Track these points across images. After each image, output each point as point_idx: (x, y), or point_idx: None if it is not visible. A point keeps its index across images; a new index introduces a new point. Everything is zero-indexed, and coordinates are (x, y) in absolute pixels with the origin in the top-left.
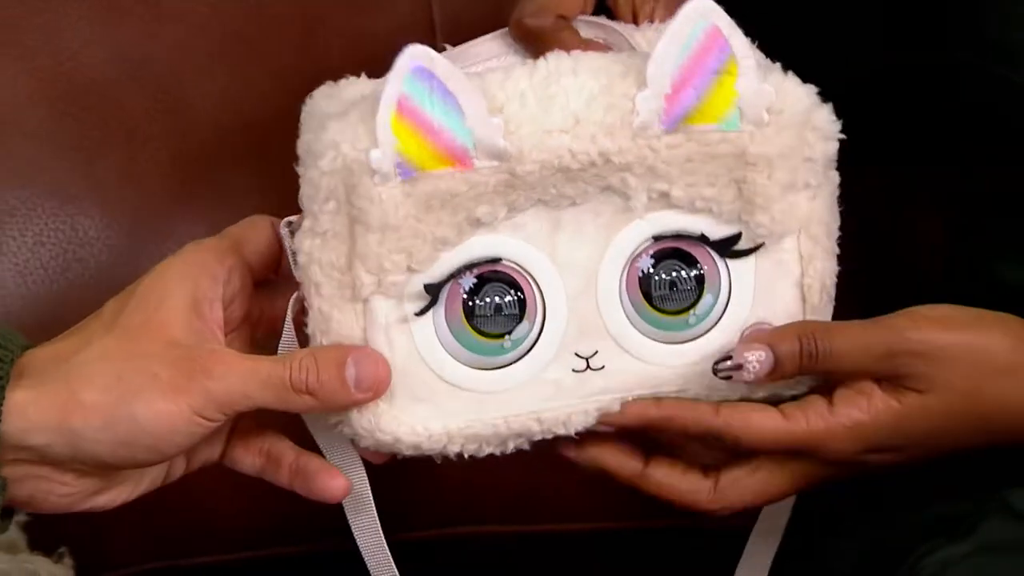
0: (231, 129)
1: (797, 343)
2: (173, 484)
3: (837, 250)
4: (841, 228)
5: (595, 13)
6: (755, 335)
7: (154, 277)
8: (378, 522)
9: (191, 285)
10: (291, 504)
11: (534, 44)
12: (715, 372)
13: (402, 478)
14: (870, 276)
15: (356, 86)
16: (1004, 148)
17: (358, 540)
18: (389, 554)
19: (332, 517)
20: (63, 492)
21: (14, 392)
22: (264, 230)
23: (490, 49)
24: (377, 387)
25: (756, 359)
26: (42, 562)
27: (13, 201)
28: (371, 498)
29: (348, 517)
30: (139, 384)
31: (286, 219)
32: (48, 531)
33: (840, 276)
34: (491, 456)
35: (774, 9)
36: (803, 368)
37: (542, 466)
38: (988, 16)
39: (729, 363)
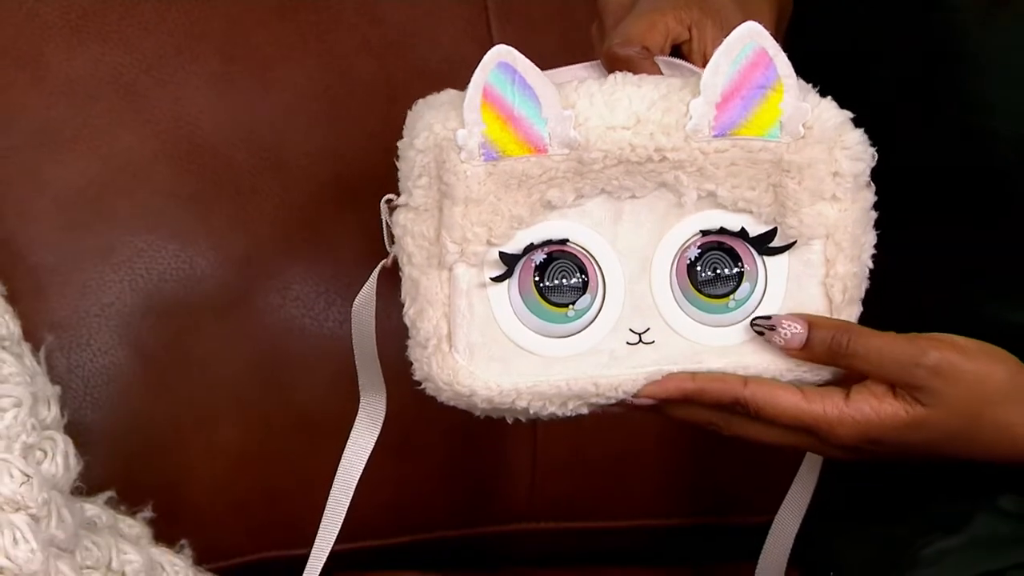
0: (327, 182)
1: (832, 332)
2: (286, 475)
3: (870, 263)
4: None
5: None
6: (798, 314)
7: None
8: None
9: None
10: (401, 495)
11: (621, 70)
12: (752, 325)
13: (465, 480)
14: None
15: (448, 93)
16: (997, 201)
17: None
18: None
19: (446, 507)
20: None
21: None
22: None
23: (575, 74)
24: None
25: (791, 329)
26: (163, 554)
27: (141, 244)
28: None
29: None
30: None
31: (387, 196)
32: (168, 526)
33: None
34: (548, 460)
35: None
36: (831, 355)
37: (594, 469)
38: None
39: (766, 321)
